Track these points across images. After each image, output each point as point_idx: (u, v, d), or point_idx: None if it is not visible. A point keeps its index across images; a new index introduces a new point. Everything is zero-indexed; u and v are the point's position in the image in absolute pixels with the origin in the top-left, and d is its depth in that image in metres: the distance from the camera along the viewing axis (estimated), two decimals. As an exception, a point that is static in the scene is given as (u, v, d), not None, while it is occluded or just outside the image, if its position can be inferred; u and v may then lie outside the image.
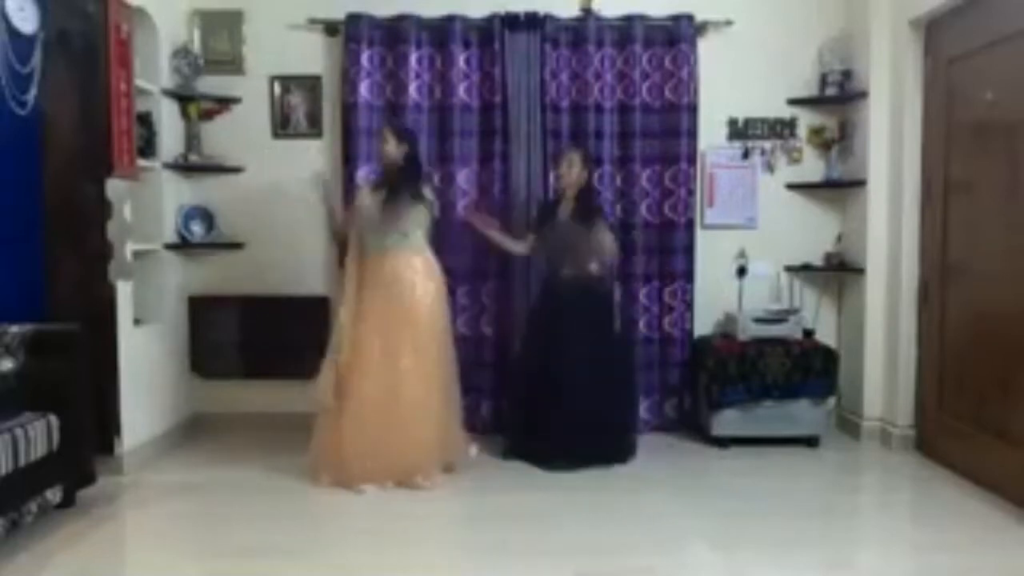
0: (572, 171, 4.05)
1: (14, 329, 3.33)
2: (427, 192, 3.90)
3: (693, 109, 4.53)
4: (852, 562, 3.10)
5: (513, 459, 4.02)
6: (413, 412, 3.65)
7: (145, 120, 4.19)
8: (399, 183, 3.80)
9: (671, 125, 4.52)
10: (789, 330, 4.37)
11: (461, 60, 4.49)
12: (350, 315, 3.76)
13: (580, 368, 3.91)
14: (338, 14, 4.51)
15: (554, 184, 4.35)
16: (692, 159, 4.55)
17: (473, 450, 4.04)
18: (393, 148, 3.86)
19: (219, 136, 4.63)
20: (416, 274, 3.79)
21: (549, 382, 3.94)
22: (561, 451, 3.89)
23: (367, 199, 3.86)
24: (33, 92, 3.65)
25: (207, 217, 4.60)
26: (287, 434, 4.27)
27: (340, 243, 4.03)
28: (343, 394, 3.68)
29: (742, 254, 4.55)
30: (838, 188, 4.64)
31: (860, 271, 4.47)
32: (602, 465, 3.90)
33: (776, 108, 4.67)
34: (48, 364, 3.29)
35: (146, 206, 4.17)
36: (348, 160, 4.47)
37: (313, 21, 4.58)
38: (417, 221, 3.85)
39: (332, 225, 4.11)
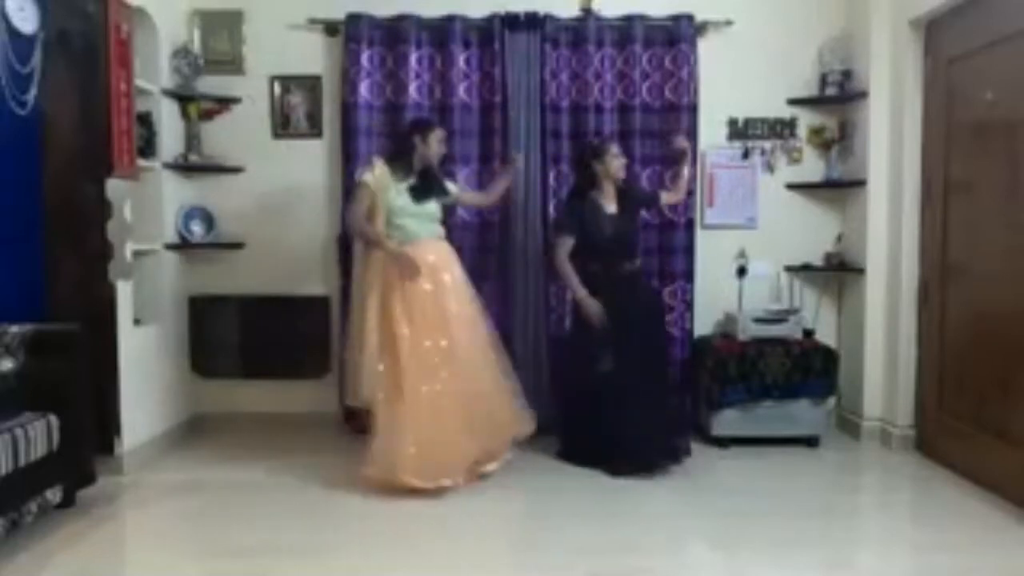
0: (620, 163, 4.02)
1: (14, 329, 3.33)
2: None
3: (693, 109, 4.53)
4: (852, 562, 3.10)
5: (573, 463, 3.96)
6: (488, 396, 3.70)
7: (145, 120, 4.19)
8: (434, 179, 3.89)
9: (671, 125, 4.51)
10: (789, 330, 4.37)
11: (461, 60, 4.49)
12: (378, 308, 3.67)
13: (646, 369, 3.87)
14: (338, 14, 4.51)
15: (582, 176, 4.10)
16: (692, 159, 4.54)
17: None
18: (440, 153, 3.90)
19: (219, 136, 4.63)
20: (447, 259, 3.84)
21: (617, 385, 3.83)
22: (632, 456, 3.81)
23: (386, 178, 3.74)
24: (33, 92, 3.66)
25: (207, 217, 4.60)
26: (287, 434, 4.28)
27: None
28: (404, 390, 3.56)
29: (742, 254, 4.55)
30: (838, 188, 4.64)
31: (860, 271, 4.47)
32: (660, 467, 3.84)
33: (776, 108, 4.67)
34: (48, 364, 3.29)
35: (146, 206, 4.17)
36: (348, 160, 4.47)
37: (313, 21, 4.58)
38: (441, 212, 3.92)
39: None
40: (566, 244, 3.97)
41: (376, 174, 3.73)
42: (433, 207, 3.85)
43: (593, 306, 3.90)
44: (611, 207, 4.02)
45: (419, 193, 3.79)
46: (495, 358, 3.84)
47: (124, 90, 3.84)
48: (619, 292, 3.93)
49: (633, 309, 3.92)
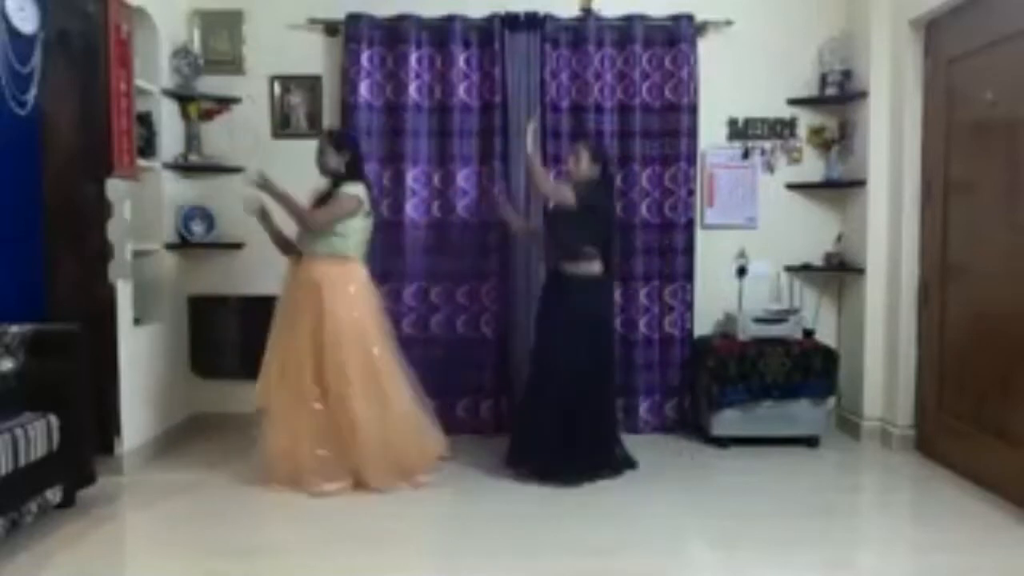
0: (580, 165, 3.87)
1: (14, 329, 3.33)
2: (359, 191, 3.71)
3: (693, 109, 4.53)
4: (852, 562, 3.10)
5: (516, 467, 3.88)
6: (346, 420, 3.58)
7: (145, 120, 4.19)
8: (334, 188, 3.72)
9: (671, 125, 4.53)
10: (789, 330, 4.36)
11: (461, 60, 4.50)
12: (283, 317, 3.74)
13: (562, 372, 3.72)
14: (338, 14, 4.51)
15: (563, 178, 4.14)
16: (692, 159, 4.55)
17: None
18: (333, 158, 3.74)
19: (219, 136, 4.63)
20: (331, 281, 3.66)
21: (537, 387, 3.83)
22: (556, 463, 3.74)
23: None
24: (33, 92, 3.65)
25: (207, 217, 4.60)
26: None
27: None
28: (289, 397, 3.63)
29: (742, 254, 4.56)
30: (838, 188, 4.64)
31: (860, 271, 4.47)
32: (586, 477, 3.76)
33: (776, 108, 4.67)
34: (48, 364, 3.29)
35: (146, 206, 4.17)
36: (348, 160, 4.48)
37: (313, 21, 4.58)
38: (345, 228, 3.69)
39: (277, 241, 3.85)
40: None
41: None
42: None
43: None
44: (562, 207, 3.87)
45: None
46: (389, 386, 3.66)
47: (124, 90, 3.84)
48: (549, 291, 3.92)
49: (557, 312, 3.81)
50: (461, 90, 4.50)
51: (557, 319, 3.82)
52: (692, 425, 4.56)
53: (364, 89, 4.50)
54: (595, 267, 3.82)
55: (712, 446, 4.31)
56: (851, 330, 4.61)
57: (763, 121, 4.68)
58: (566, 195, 3.76)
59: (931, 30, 4.11)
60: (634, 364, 4.55)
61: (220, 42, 4.62)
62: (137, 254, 4.00)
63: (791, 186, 4.70)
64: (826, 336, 4.61)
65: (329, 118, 4.62)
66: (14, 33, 3.55)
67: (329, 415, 3.61)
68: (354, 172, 3.78)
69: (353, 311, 3.66)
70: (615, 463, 3.88)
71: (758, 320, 4.36)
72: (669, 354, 4.61)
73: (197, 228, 4.57)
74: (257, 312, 4.59)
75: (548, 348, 3.83)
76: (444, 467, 3.83)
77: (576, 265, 3.79)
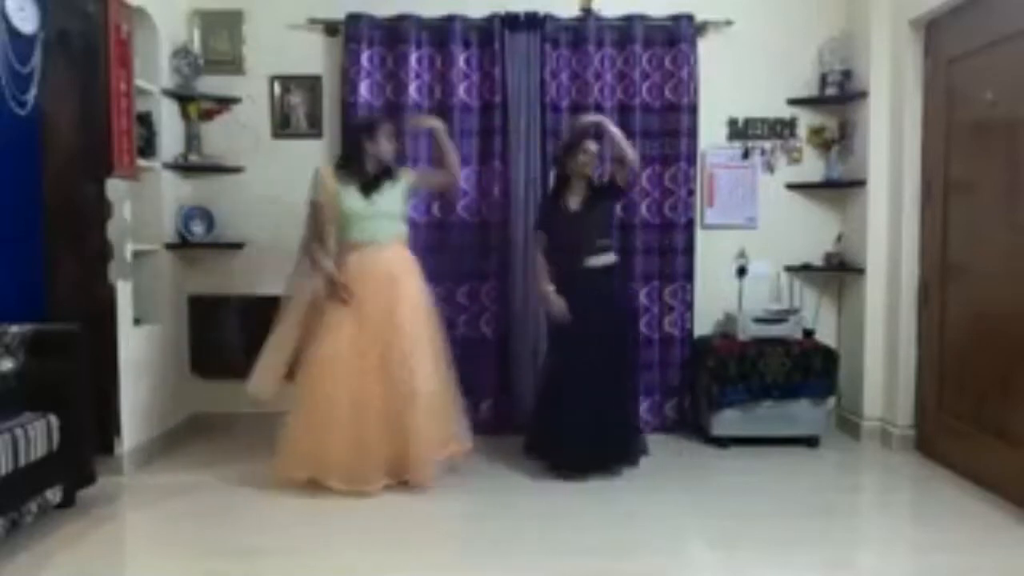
0: (586, 159, 3.86)
1: (14, 329, 3.33)
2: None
3: (693, 109, 4.53)
4: (852, 562, 3.10)
5: (535, 459, 3.92)
6: (406, 409, 3.57)
7: (145, 120, 4.19)
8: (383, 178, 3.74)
9: (671, 125, 4.53)
10: (789, 330, 4.37)
11: (461, 60, 4.50)
12: (302, 308, 3.72)
13: (597, 368, 3.75)
14: (338, 14, 4.51)
15: (559, 171, 4.04)
16: (692, 159, 4.56)
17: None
18: (392, 148, 3.80)
19: (219, 136, 4.64)
20: (405, 268, 3.74)
21: (571, 382, 3.78)
22: (579, 456, 3.76)
23: (334, 187, 3.69)
24: (33, 92, 3.65)
25: (207, 217, 4.60)
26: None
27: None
28: (324, 392, 3.59)
29: (742, 254, 4.56)
30: (838, 188, 4.64)
31: (860, 271, 4.47)
32: (612, 469, 3.82)
33: (776, 108, 4.67)
34: (48, 364, 3.29)
35: (146, 206, 4.18)
36: (348, 160, 4.48)
37: (313, 21, 4.58)
38: (405, 211, 3.83)
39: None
40: (539, 241, 4.02)
41: (325, 186, 3.70)
42: (389, 203, 3.72)
43: (554, 303, 3.87)
44: (575, 204, 3.89)
45: (369, 186, 3.68)
46: (435, 375, 3.65)
47: (124, 90, 3.84)
48: (574, 289, 3.84)
49: (586, 307, 3.79)
50: (461, 90, 4.50)
51: (590, 311, 3.78)
52: (692, 425, 4.56)
53: (364, 89, 4.50)
54: (612, 256, 3.95)
55: (712, 446, 4.31)
56: (851, 330, 4.61)
57: (763, 121, 4.68)
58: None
59: (931, 30, 4.11)
60: (634, 364, 4.54)
61: (220, 42, 4.62)
62: (137, 254, 4.01)
63: (791, 186, 4.70)
64: (826, 336, 4.61)
65: (329, 118, 4.62)
66: (14, 33, 3.55)
67: (384, 414, 3.55)
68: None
69: (422, 293, 3.76)
70: (639, 450, 3.93)
71: (758, 320, 4.36)
72: (669, 354, 4.61)
73: (197, 228, 4.57)
74: (257, 312, 4.60)
75: (583, 340, 3.76)
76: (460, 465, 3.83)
77: (600, 257, 3.87)
